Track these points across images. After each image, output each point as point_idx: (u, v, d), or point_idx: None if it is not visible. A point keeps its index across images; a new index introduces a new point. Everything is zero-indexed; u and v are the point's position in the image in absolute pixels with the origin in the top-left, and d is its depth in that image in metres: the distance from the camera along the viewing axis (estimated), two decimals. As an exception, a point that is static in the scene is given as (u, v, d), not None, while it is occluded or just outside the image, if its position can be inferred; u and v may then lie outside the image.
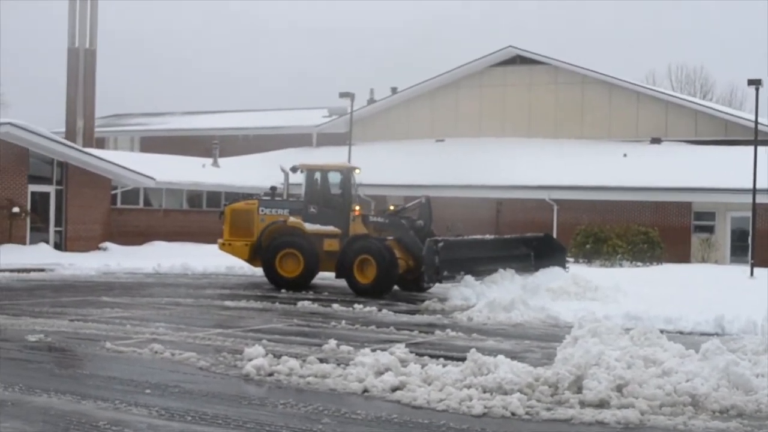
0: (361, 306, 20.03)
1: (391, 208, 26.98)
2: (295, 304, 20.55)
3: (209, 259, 30.74)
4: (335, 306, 20.16)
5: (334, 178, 26.26)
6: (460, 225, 27.76)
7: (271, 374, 11.68)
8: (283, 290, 23.77)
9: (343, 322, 17.46)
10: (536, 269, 24.60)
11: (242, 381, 11.46)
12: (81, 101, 47.55)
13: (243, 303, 20.62)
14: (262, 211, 25.59)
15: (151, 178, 38.37)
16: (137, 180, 38.13)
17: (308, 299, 21.25)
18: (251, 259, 25.95)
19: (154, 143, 60.22)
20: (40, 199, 34.40)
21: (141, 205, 40.68)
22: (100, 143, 57.40)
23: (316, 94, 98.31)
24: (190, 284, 25.32)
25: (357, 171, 26.30)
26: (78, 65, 47.57)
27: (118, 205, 38.88)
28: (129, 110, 73.71)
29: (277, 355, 12.58)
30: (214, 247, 36.81)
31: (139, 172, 37.81)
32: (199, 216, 42.85)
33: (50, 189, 34.70)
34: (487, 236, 27.75)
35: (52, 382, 10.93)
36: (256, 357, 12.25)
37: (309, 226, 25.15)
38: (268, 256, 24.89)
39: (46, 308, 18.47)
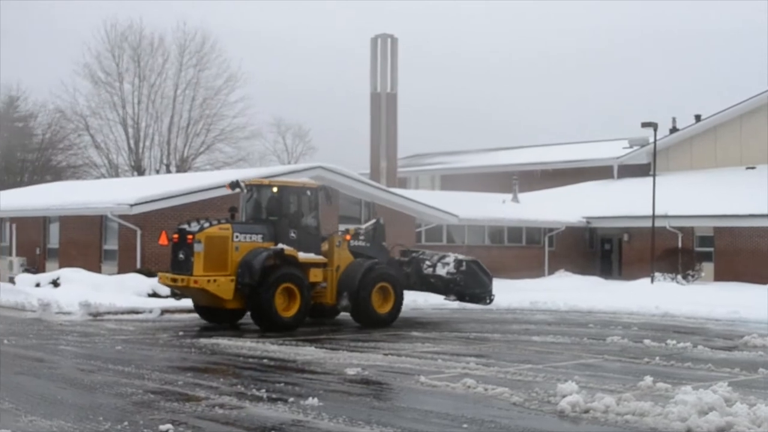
0: (674, 342, 19.25)
1: (350, 230, 23.81)
2: (604, 339, 20.11)
3: (513, 294, 30.75)
4: (646, 341, 19.49)
5: (301, 197, 22.91)
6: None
7: (586, 411, 11.39)
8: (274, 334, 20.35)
9: (657, 358, 16.80)
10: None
11: (557, 417, 11.25)
12: (384, 143, 49.39)
13: (550, 338, 20.42)
14: (236, 237, 21.39)
15: (454, 215, 39.09)
16: (441, 217, 38.99)
17: (617, 335, 20.75)
18: (231, 300, 21.31)
19: (453, 181, 61.47)
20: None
21: (444, 241, 41.53)
22: (402, 183, 59.34)
23: (615, 125, 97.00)
24: (495, 319, 25.39)
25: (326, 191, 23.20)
26: (380, 109, 49.50)
27: (423, 242, 39.87)
28: (428, 150, 75.79)
29: (591, 392, 12.28)
30: (516, 283, 37.14)
31: (443, 210, 38.65)
32: (500, 251, 43.14)
33: (359, 228, 36.08)
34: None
35: (372, 414, 11.24)
36: (570, 393, 12.01)
37: (302, 256, 21.99)
38: (265, 293, 20.93)
39: (361, 343, 19.16)
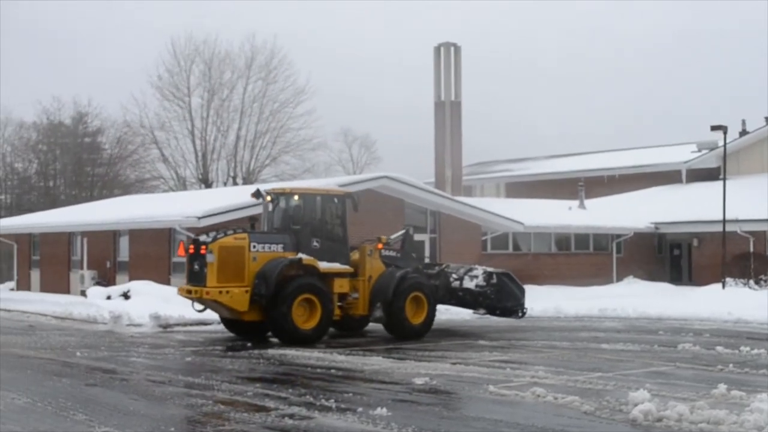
0: (747, 349, 18.88)
1: (382, 238, 23.12)
2: (675, 346, 19.80)
3: (581, 302, 30.46)
4: (719, 348, 19.14)
5: (328, 204, 22.33)
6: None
7: (659, 420, 11.21)
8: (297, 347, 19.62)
9: (730, 365, 16.48)
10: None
11: (629, 426, 11.09)
12: (448, 151, 49.19)
13: (620, 346, 20.15)
14: (254, 247, 20.88)
15: (520, 223, 38.82)
16: (506, 225, 38.75)
17: (689, 342, 20.41)
18: (247, 312, 20.82)
19: (518, 188, 61.05)
20: (417, 247, 35.80)
21: (510, 249, 41.27)
22: (467, 191, 59.06)
23: (682, 129, 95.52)
24: (563, 327, 25.17)
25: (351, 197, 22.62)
26: (444, 117, 49.35)
27: (488, 250, 39.65)
28: (493, 157, 75.43)
29: (664, 400, 12.08)
30: (584, 290, 36.78)
31: (508, 218, 38.42)
32: (567, 259, 42.74)
33: (425, 237, 36.10)
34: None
35: (442, 424, 11.19)
36: (642, 401, 11.84)
37: (323, 265, 21.41)
38: (281, 304, 20.30)
39: (428, 352, 19.11)
